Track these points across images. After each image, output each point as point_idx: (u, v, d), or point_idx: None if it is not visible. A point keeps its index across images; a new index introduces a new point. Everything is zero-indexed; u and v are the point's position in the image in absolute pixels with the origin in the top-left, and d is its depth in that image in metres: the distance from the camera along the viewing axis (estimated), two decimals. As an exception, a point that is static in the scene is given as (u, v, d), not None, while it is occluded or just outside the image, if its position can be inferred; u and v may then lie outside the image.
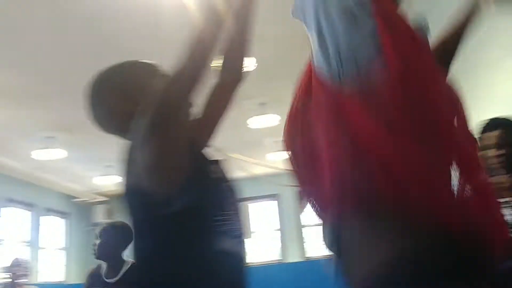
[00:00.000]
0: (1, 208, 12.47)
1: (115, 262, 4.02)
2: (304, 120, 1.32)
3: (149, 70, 1.80)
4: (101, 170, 13.03)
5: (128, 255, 4.09)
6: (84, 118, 8.21)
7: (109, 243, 3.99)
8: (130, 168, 1.58)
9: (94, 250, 4.08)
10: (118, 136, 1.89)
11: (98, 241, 4.09)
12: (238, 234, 1.70)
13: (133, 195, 1.60)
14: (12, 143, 10.72)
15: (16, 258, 7.31)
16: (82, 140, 10.78)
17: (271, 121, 9.89)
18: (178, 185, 1.48)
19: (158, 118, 1.44)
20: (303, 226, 15.51)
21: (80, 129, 10.33)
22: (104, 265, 4.10)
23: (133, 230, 1.65)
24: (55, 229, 15.09)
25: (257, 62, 7.35)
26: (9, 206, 12.80)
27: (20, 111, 9.09)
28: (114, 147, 9.53)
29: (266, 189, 15.47)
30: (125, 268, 3.97)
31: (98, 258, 4.09)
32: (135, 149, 1.53)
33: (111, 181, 13.44)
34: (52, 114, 9.41)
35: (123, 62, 1.84)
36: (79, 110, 9.33)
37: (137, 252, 1.65)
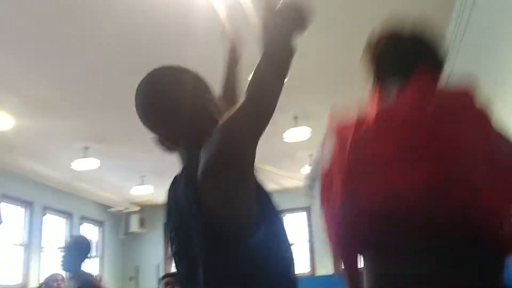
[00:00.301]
0: (42, 217, 12.88)
1: (75, 273, 4.48)
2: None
3: (202, 84, 1.64)
4: (135, 180, 13.24)
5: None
6: (119, 128, 8.40)
7: (71, 255, 4.48)
8: (196, 202, 1.37)
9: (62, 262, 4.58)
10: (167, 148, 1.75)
11: (62, 254, 4.63)
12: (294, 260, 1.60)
13: (201, 230, 1.38)
14: (50, 152, 11.01)
15: (53, 274, 7.53)
16: (117, 151, 11.00)
17: (303, 134, 9.86)
18: (254, 220, 1.37)
19: (238, 151, 1.44)
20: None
21: (116, 140, 10.57)
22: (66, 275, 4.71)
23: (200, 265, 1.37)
24: (90, 238, 15.35)
25: (290, 75, 7.31)
26: (47, 214, 13.17)
27: (58, 121, 9.33)
28: (149, 157, 9.73)
29: (297, 201, 15.54)
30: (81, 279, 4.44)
31: (63, 269, 4.69)
32: (205, 180, 1.35)
33: (145, 191, 13.63)
34: (89, 125, 9.64)
35: (179, 71, 1.65)
36: (115, 121, 9.58)
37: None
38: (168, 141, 1.64)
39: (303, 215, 15.94)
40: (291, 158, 12.03)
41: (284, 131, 9.73)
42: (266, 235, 1.37)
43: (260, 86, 1.37)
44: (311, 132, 9.82)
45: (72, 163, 10.85)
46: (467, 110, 1.41)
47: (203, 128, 1.47)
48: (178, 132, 1.58)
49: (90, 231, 15.33)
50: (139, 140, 11.06)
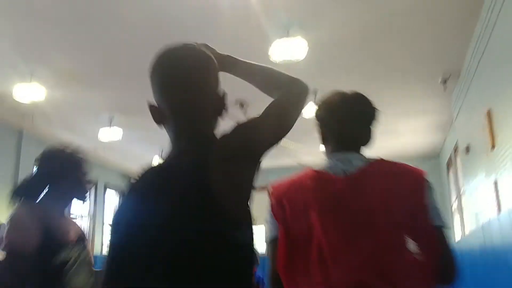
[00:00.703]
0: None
1: None
2: None
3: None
4: (156, 152, 13.61)
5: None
6: (142, 101, 8.67)
7: None
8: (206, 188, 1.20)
9: None
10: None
11: None
12: None
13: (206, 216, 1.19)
14: (78, 122, 11.43)
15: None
16: (140, 122, 11.31)
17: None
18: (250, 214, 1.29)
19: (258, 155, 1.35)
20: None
21: (139, 111, 10.86)
22: None
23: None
24: (113, 205, 15.95)
25: (309, 49, 7.47)
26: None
27: (86, 92, 9.70)
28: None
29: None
30: None
31: None
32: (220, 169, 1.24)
33: (166, 162, 14.03)
34: (114, 96, 10.00)
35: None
36: (138, 93, 9.89)
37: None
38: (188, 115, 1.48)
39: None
40: (310, 134, 12.19)
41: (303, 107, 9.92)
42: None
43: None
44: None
45: (98, 133, 11.24)
46: (421, 188, 1.82)
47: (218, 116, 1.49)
48: (205, 113, 1.47)
49: (113, 198, 15.89)
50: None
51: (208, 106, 1.46)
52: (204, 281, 1.14)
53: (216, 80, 1.53)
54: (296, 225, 1.72)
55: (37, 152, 11.04)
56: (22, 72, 8.36)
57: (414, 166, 1.81)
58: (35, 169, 2.73)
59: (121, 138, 11.44)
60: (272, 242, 1.80)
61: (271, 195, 1.89)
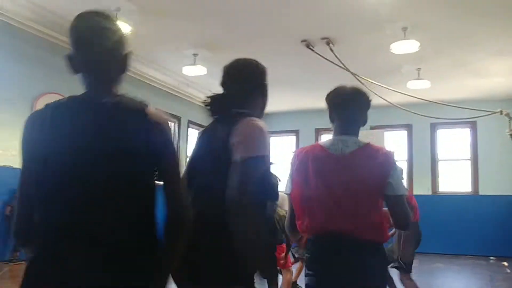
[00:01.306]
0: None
1: None
2: None
3: None
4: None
5: None
6: (226, 36, 8.69)
7: None
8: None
9: None
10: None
11: None
12: None
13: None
14: (163, 58, 11.66)
15: None
16: (223, 58, 11.31)
17: (412, 47, 9.43)
18: None
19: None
20: (439, 160, 15.04)
21: (222, 47, 10.89)
22: None
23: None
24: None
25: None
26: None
27: (171, 28, 9.77)
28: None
29: (398, 118, 15.24)
30: None
31: None
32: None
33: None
34: (199, 32, 9.96)
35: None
36: (222, 29, 9.84)
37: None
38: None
39: (403, 133, 15.66)
40: (397, 72, 11.64)
41: (392, 43, 9.38)
42: None
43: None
44: (419, 46, 9.37)
45: (182, 69, 11.43)
46: (389, 163, 2.60)
47: None
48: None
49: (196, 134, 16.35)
50: (243, 48, 11.30)
51: (111, 65, 1.93)
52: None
53: (122, 43, 1.97)
54: (300, 177, 2.61)
55: (122, 86, 11.39)
56: (107, 8, 8.54)
57: (387, 151, 2.58)
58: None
59: (205, 72, 11.54)
60: (289, 196, 2.71)
61: (295, 157, 2.72)
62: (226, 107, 2.37)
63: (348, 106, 2.72)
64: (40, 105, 11.22)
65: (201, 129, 2.51)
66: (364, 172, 2.48)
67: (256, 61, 2.54)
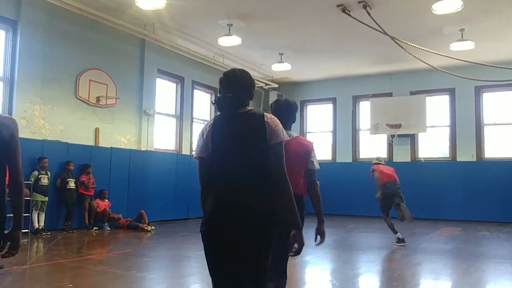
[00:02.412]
0: (194, 90, 14.20)
1: None
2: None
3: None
4: (274, 58, 13.49)
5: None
6: (260, 5, 8.51)
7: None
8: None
9: None
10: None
11: None
12: None
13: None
14: (198, 30, 11.57)
15: None
16: (258, 28, 11.17)
17: (454, 5, 8.99)
18: None
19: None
20: (485, 125, 14.49)
21: (257, 17, 10.71)
22: None
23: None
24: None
25: None
26: (195, 89, 14.31)
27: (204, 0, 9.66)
28: (287, 34, 9.87)
29: (441, 82, 14.71)
30: None
31: None
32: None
33: (283, 68, 13.90)
34: (233, 3, 9.81)
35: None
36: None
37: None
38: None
39: (445, 98, 15.12)
40: (439, 33, 11.15)
41: (433, 3, 8.96)
42: None
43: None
44: (462, 5, 8.92)
45: (217, 40, 11.33)
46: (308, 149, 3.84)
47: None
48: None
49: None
50: (278, 17, 11.12)
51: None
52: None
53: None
54: None
55: (159, 60, 11.72)
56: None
57: (309, 141, 4.02)
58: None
59: (240, 43, 11.40)
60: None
61: None
62: (236, 106, 2.85)
63: (287, 112, 3.99)
64: (83, 81, 11.67)
65: (211, 121, 2.91)
66: (296, 153, 3.73)
67: (248, 72, 3.09)
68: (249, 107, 2.90)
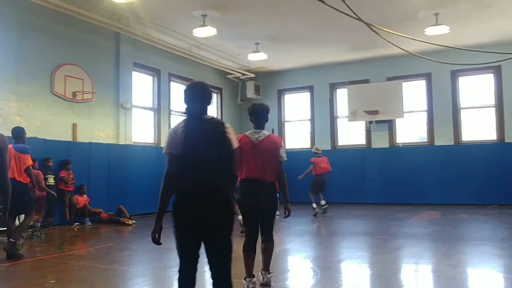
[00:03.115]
0: (171, 83, 14.09)
1: None
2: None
3: None
4: (251, 47, 13.44)
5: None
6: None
7: None
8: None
9: None
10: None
11: None
12: None
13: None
14: (172, 22, 11.45)
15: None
16: (233, 18, 11.09)
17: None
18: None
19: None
20: (461, 108, 14.71)
21: (232, 6, 10.64)
22: None
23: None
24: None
25: None
26: (172, 81, 14.20)
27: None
28: (263, 23, 9.83)
29: (417, 67, 14.85)
30: None
31: None
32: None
33: (260, 57, 13.85)
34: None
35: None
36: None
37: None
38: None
39: (422, 83, 15.29)
40: (413, 18, 11.24)
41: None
42: None
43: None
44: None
45: (192, 31, 11.23)
46: (278, 145, 4.88)
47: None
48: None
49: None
50: (253, 6, 11.03)
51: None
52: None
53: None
54: (241, 152, 4.47)
55: (134, 53, 11.61)
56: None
57: (280, 138, 5.12)
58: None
59: (215, 33, 11.30)
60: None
61: (239, 140, 4.44)
62: (202, 114, 3.50)
63: (261, 114, 5.02)
64: (59, 76, 11.50)
65: (181, 124, 3.48)
66: (269, 149, 4.82)
67: (208, 85, 3.71)
68: (210, 115, 3.59)
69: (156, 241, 3.34)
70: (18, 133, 7.11)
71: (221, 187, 3.39)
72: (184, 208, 3.35)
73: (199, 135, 3.40)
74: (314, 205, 12.08)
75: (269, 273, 4.74)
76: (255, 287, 4.66)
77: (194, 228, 3.33)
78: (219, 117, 16.60)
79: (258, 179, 4.74)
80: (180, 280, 3.33)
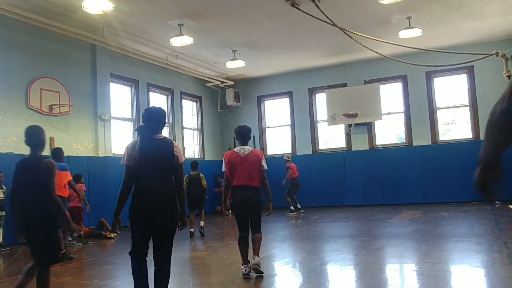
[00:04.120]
0: (150, 93, 14.00)
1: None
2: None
3: None
4: (228, 55, 13.48)
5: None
6: (209, 2, 8.51)
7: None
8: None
9: None
10: None
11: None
12: None
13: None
14: (149, 32, 11.43)
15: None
16: (209, 26, 11.13)
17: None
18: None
19: None
20: (437, 109, 14.96)
21: (207, 15, 10.67)
22: None
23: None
24: (189, 112, 16.39)
25: None
26: (151, 92, 14.13)
27: (152, 1, 9.52)
28: (239, 30, 9.93)
29: (392, 70, 15.04)
30: None
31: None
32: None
33: (238, 64, 13.89)
34: (182, 2, 9.73)
35: None
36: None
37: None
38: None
39: (398, 85, 15.50)
40: (387, 22, 11.42)
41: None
42: None
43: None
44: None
45: (169, 41, 11.21)
46: (260, 158, 6.12)
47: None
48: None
49: (189, 105, 16.34)
50: (228, 14, 11.10)
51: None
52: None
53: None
54: (230, 164, 6.03)
55: (111, 64, 11.56)
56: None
57: (261, 151, 6.71)
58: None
59: (192, 42, 11.31)
60: (225, 171, 6.08)
61: (225, 156, 6.14)
62: (154, 133, 4.34)
63: (245, 134, 6.25)
64: (34, 90, 11.33)
65: (137, 141, 4.33)
66: (253, 161, 5.98)
67: (164, 109, 4.55)
68: (161, 135, 4.42)
69: (116, 230, 4.50)
70: (58, 152, 8.39)
71: (168, 193, 4.28)
72: (137, 208, 4.22)
73: (151, 151, 4.25)
74: (292, 207, 13.62)
75: (258, 256, 5.87)
76: (250, 270, 5.80)
77: (146, 223, 4.20)
78: (199, 126, 16.65)
79: (246, 185, 5.91)
80: (133, 261, 4.27)
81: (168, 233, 4.29)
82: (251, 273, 5.77)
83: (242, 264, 5.84)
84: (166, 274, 4.31)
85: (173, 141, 4.45)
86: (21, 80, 10.21)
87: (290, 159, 14.18)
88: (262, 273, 5.78)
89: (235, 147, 6.35)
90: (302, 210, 13.77)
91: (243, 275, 5.76)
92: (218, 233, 10.70)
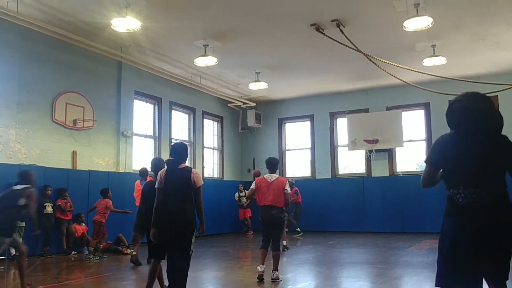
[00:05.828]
0: (172, 111, 14.17)
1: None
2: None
3: None
4: (251, 77, 13.59)
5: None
6: (235, 25, 8.62)
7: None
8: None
9: None
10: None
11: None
12: None
13: None
14: (174, 51, 11.64)
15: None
16: (234, 47, 11.27)
17: (424, 22, 9.22)
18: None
19: None
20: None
21: (232, 36, 10.81)
22: None
23: None
24: (210, 131, 16.49)
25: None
26: (173, 110, 14.29)
27: (180, 21, 9.69)
28: (263, 52, 9.97)
29: (416, 97, 14.92)
30: None
31: None
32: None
33: (260, 86, 13.96)
34: (208, 22, 9.89)
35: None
36: (231, 17, 9.74)
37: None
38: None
39: (420, 112, 15.40)
40: (411, 50, 11.41)
41: (404, 20, 9.15)
42: None
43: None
44: (432, 22, 9.15)
45: (194, 60, 11.37)
46: (284, 183, 7.38)
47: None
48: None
49: (210, 125, 16.46)
50: (254, 36, 11.24)
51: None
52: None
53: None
54: (258, 186, 7.42)
55: (136, 81, 11.76)
56: (117, 4, 8.51)
57: (285, 178, 8.16)
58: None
59: (216, 62, 11.44)
60: (253, 190, 7.56)
61: (256, 180, 7.61)
62: (177, 164, 5.19)
63: (274, 165, 7.52)
64: (60, 104, 11.53)
65: (164, 170, 5.25)
66: (278, 186, 7.18)
67: (186, 144, 5.85)
68: (184, 164, 5.26)
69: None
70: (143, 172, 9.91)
71: (187, 213, 5.05)
72: (161, 225, 5.03)
73: (173, 178, 5.12)
74: (299, 229, 14.16)
75: (277, 271, 6.97)
76: (264, 271, 6.91)
77: (165, 237, 5.01)
78: (219, 145, 16.72)
79: (271, 205, 7.18)
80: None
81: (183, 238, 4.97)
82: (264, 276, 6.88)
83: (259, 265, 7.09)
84: (181, 269, 4.98)
85: (192, 168, 5.30)
86: (48, 93, 10.46)
87: (294, 183, 13.98)
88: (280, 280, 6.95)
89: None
90: (301, 233, 14.08)
91: (257, 273, 6.95)
92: (233, 253, 10.64)
